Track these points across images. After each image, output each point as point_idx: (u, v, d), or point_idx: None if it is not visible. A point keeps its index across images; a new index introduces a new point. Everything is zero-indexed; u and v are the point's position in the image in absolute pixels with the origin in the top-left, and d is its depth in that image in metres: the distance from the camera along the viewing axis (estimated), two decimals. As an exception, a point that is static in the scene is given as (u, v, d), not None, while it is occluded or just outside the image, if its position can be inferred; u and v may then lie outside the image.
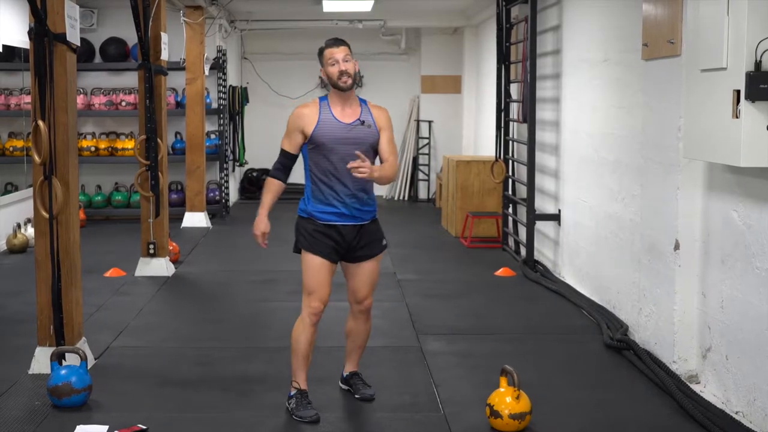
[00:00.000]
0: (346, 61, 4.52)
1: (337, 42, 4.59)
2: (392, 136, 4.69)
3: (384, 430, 4.51)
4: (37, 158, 5.10)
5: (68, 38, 5.11)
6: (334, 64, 4.52)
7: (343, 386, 5.02)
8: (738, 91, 4.22)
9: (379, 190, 14.77)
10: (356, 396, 4.92)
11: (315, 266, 4.57)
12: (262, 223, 4.63)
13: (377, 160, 4.70)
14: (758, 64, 4.14)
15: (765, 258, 4.39)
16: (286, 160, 4.65)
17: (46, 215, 5.12)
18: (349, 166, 4.39)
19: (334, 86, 4.57)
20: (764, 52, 4.12)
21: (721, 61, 4.37)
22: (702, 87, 4.65)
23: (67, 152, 5.18)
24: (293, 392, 4.68)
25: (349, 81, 4.53)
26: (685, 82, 5.00)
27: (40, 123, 5.03)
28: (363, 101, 4.70)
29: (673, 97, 5.24)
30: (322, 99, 4.65)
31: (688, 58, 4.98)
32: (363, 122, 4.58)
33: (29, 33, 5.03)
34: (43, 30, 4.99)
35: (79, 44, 5.31)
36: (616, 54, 6.71)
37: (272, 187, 4.66)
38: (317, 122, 4.54)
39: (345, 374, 5.02)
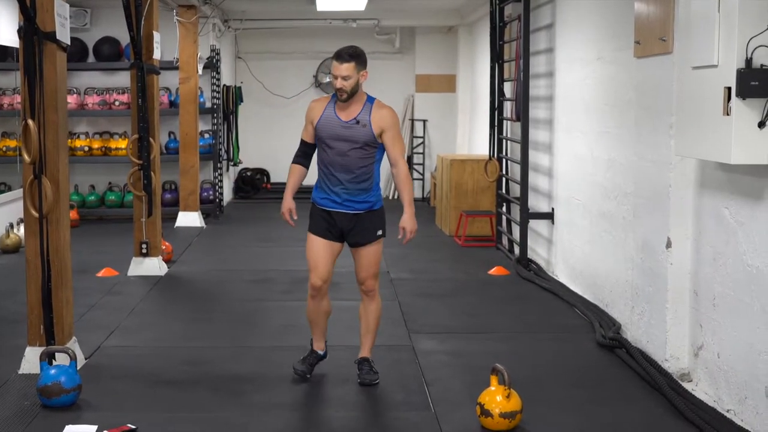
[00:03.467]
0: (345, 79, 4.82)
1: (341, 57, 4.85)
2: (396, 134, 5.00)
3: (375, 429, 4.50)
4: (26, 157, 5.07)
5: (58, 37, 5.08)
6: (335, 79, 4.86)
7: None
8: (729, 89, 4.21)
9: (374, 190, 14.75)
10: (358, 380, 5.10)
11: (313, 245, 5.06)
12: (287, 202, 5.10)
13: (372, 156, 5.01)
14: (749, 61, 4.13)
15: (756, 255, 4.38)
16: (304, 148, 5.15)
17: (36, 214, 5.10)
18: (404, 242, 5.05)
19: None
20: (755, 49, 4.11)
21: (712, 58, 4.36)
22: (693, 84, 4.64)
23: (57, 151, 5.15)
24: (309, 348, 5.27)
25: (344, 96, 4.88)
26: (677, 79, 4.99)
27: (30, 122, 5.01)
28: (370, 100, 5.00)
29: (665, 95, 5.24)
30: (334, 95, 4.98)
31: (679, 56, 4.97)
32: (358, 122, 4.92)
33: (19, 32, 5.00)
34: (32, 29, 4.96)
35: (69, 43, 5.28)
36: (609, 52, 6.70)
37: (295, 171, 5.15)
38: (320, 117, 4.98)
39: (357, 358, 5.22)
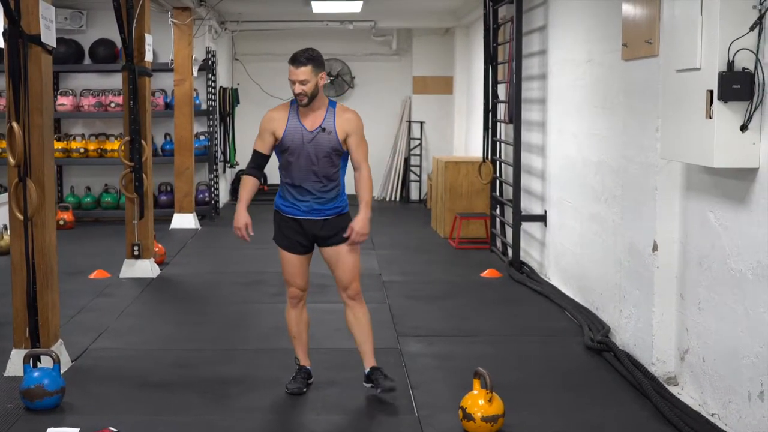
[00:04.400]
0: (302, 83, 4.68)
1: (300, 62, 4.70)
2: (360, 138, 4.85)
3: (357, 433, 4.51)
4: (11, 160, 5.07)
5: (43, 39, 5.08)
6: (293, 84, 4.71)
7: (366, 384, 4.99)
8: (711, 92, 4.20)
9: (371, 191, 14.73)
10: (378, 390, 4.89)
11: (285, 258, 4.98)
12: (241, 216, 4.82)
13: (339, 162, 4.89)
14: (731, 65, 4.12)
15: (740, 259, 4.37)
16: (259, 160, 4.88)
17: (21, 217, 5.09)
18: (347, 244, 4.82)
19: None
20: (737, 52, 4.10)
21: (695, 61, 4.35)
22: (677, 87, 4.63)
23: (42, 154, 5.15)
24: (296, 367, 5.09)
25: (305, 100, 4.73)
26: (662, 82, 4.97)
27: (14, 125, 5.01)
28: (332, 104, 4.87)
29: (651, 98, 5.22)
30: (293, 101, 4.84)
31: (664, 58, 4.95)
32: (324, 129, 4.78)
33: (3, 34, 5.01)
34: (16, 31, 4.96)
35: (54, 45, 5.27)
36: (599, 54, 6.69)
37: (248, 184, 4.89)
38: (286, 127, 4.79)
39: (366, 371, 4.99)
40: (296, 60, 4.69)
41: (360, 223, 4.76)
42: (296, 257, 4.94)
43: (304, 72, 4.67)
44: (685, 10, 4.50)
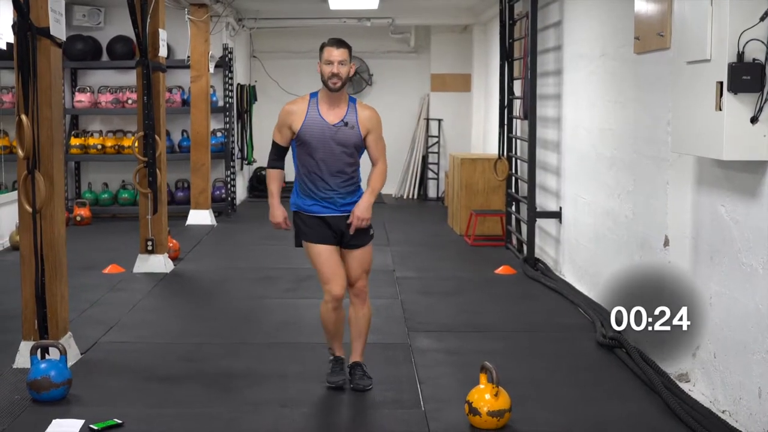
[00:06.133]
0: (341, 64, 4.69)
1: (338, 43, 4.75)
2: (379, 135, 4.87)
3: (362, 426, 4.48)
4: (20, 152, 5.09)
5: (52, 32, 5.09)
6: (328, 64, 4.69)
7: (348, 375, 5.04)
8: (721, 83, 4.14)
9: (389, 189, 14.73)
10: (351, 386, 4.93)
11: (321, 254, 4.82)
12: (278, 210, 4.89)
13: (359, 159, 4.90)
14: (741, 56, 4.05)
15: (751, 254, 4.30)
16: (279, 151, 4.90)
17: (30, 209, 5.10)
18: (351, 230, 4.77)
19: (324, 84, 4.73)
20: (747, 42, 4.04)
21: (705, 52, 4.28)
22: (688, 79, 4.57)
23: (51, 147, 5.16)
24: (330, 358, 5.03)
25: (338, 83, 4.69)
26: (673, 74, 4.91)
27: (23, 117, 5.02)
28: (352, 100, 4.86)
29: (662, 91, 5.17)
30: (312, 95, 4.81)
31: (675, 50, 4.89)
32: (346, 123, 4.75)
33: (12, 27, 5.02)
34: (26, 24, 4.97)
35: (64, 38, 5.28)
36: (612, 49, 6.62)
37: (274, 176, 4.92)
38: (304, 120, 4.74)
39: (349, 363, 5.03)
40: (335, 42, 4.73)
41: (361, 207, 4.76)
42: (329, 249, 4.81)
43: (343, 53, 4.70)
44: (695, 1, 4.43)
